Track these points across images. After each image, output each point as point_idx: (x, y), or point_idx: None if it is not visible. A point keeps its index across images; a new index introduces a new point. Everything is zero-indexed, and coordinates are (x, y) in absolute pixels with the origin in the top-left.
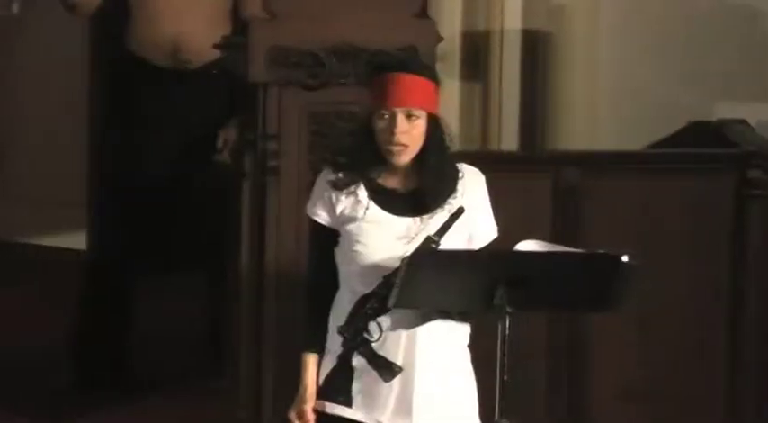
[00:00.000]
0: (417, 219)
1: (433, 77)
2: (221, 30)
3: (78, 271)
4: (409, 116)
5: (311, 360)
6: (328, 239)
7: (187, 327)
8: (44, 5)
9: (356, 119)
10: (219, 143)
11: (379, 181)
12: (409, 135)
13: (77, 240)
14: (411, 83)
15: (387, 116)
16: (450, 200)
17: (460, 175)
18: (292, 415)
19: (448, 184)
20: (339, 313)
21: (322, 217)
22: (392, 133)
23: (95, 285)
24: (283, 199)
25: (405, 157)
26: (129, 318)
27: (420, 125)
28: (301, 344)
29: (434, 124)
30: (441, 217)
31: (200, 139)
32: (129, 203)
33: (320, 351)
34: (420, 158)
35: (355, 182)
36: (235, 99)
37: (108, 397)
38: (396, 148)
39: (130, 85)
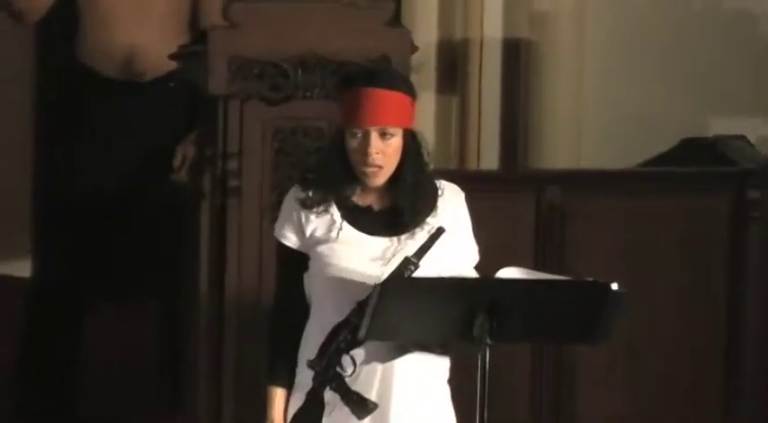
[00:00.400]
0: (394, 238)
1: (409, 90)
2: (179, 39)
3: (21, 298)
4: (383, 134)
5: (278, 394)
6: (297, 264)
7: (140, 356)
8: None
9: (323, 136)
10: (177, 160)
11: (353, 198)
12: (383, 155)
13: (20, 267)
14: (385, 99)
15: (359, 135)
16: (429, 219)
17: (440, 191)
18: None
19: (426, 202)
20: (309, 345)
21: (290, 239)
22: (365, 154)
23: (40, 313)
24: (245, 221)
25: (379, 179)
26: (77, 347)
27: (395, 143)
28: (266, 377)
29: (411, 139)
30: (419, 237)
31: (156, 155)
32: (76, 226)
33: (287, 385)
34: (396, 175)
35: (326, 200)
36: (193, 113)
37: None
38: (370, 170)
39: (79, 97)
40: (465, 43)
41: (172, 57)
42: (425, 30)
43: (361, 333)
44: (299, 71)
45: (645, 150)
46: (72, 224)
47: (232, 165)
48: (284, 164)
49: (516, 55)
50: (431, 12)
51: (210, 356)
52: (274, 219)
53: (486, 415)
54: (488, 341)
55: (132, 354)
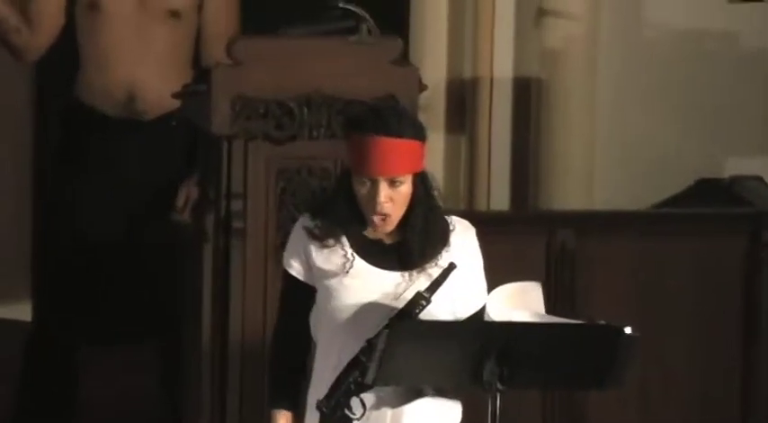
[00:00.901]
0: (406, 274)
1: (419, 134)
2: (181, 77)
3: (21, 343)
4: (393, 182)
5: (280, 416)
6: (302, 293)
7: (141, 403)
8: None
9: (329, 175)
10: (180, 201)
11: (363, 232)
12: (392, 203)
13: (21, 311)
14: (394, 148)
15: (368, 183)
16: (443, 253)
17: (451, 227)
18: None
19: (437, 239)
20: (318, 385)
21: (296, 269)
22: (374, 203)
23: (39, 358)
24: (249, 263)
25: (388, 227)
26: (76, 393)
27: (404, 189)
28: (268, 403)
29: (420, 181)
30: (431, 271)
31: (157, 196)
32: (77, 268)
33: (290, 408)
34: (406, 215)
35: (336, 232)
36: (196, 153)
37: None
38: (377, 218)
39: (79, 136)
40: (474, 82)
41: (174, 96)
42: (434, 68)
43: (369, 378)
44: (305, 110)
45: (659, 191)
46: (72, 265)
47: (236, 206)
48: (289, 204)
49: (527, 94)
50: (440, 50)
51: (214, 400)
52: (279, 260)
53: None
54: (499, 387)
55: (132, 399)
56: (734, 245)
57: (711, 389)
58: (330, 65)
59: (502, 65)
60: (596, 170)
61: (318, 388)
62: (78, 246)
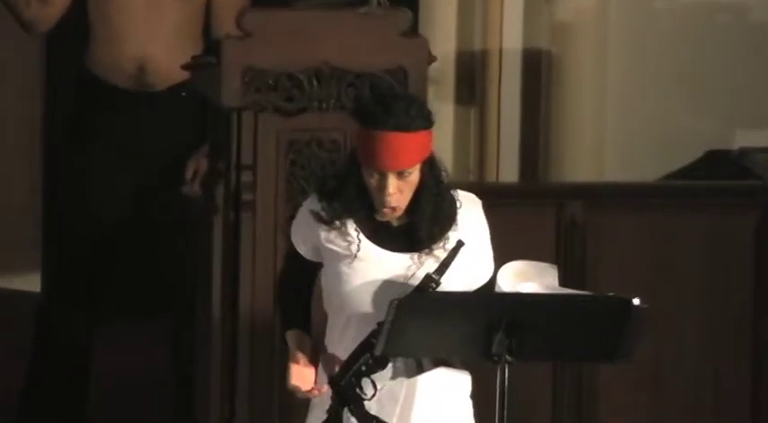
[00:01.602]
0: (415, 255)
1: (426, 123)
2: (191, 50)
3: (31, 315)
4: (401, 172)
5: (294, 335)
6: (308, 266)
7: (151, 376)
8: None
9: (339, 148)
10: (188, 173)
11: (371, 214)
12: (400, 195)
13: (31, 282)
14: (404, 142)
15: (376, 175)
16: (450, 233)
17: (458, 204)
18: (292, 383)
19: (445, 219)
20: (333, 341)
21: (302, 249)
22: (383, 194)
23: (49, 331)
24: (259, 236)
25: (395, 215)
26: (87, 367)
27: (413, 178)
28: (281, 328)
29: (428, 165)
30: (440, 252)
31: (167, 168)
32: (86, 240)
33: (303, 328)
34: (414, 199)
35: (343, 215)
36: (205, 124)
37: None
38: (386, 210)
39: (90, 109)
40: (484, 54)
41: (184, 67)
42: (444, 40)
43: (378, 349)
44: (315, 82)
45: (668, 163)
46: (81, 238)
47: (246, 178)
48: (299, 176)
49: (536, 66)
50: (449, 22)
51: (223, 376)
52: (289, 232)
53: None
54: (508, 358)
55: (143, 373)
56: (743, 217)
57: (722, 361)
58: (340, 37)
59: (511, 37)
60: (606, 142)
61: (333, 345)
62: (88, 218)
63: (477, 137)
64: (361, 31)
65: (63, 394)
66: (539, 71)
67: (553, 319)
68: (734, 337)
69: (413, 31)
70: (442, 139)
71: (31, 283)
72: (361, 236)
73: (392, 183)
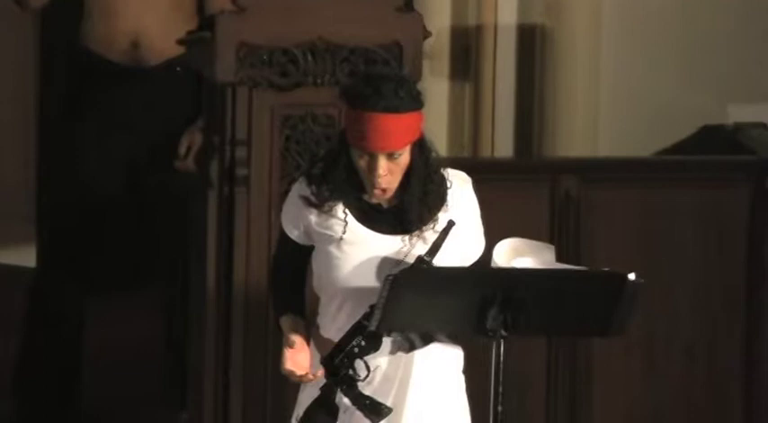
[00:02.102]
0: (405, 237)
1: (416, 105)
2: (185, 25)
3: (26, 290)
4: (391, 154)
5: (288, 320)
6: (302, 252)
7: (144, 352)
8: None
9: (333, 123)
10: (182, 148)
11: (361, 196)
12: (390, 177)
13: (26, 257)
14: (392, 123)
15: (366, 156)
16: (440, 214)
17: (448, 184)
18: (287, 367)
19: (435, 200)
20: (325, 322)
21: (293, 233)
22: (373, 175)
23: (43, 303)
24: (253, 211)
25: (386, 196)
26: (80, 342)
27: (403, 160)
28: (275, 316)
29: (418, 147)
30: (431, 233)
31: (161, 143)
32: (80, 215)
33: (297, 313)
34: (404, 181)
35: (332, 198)
36: (199, 99)
37: None
38: (376, 191)
39: (84, 84)
40: (479, 29)
41: (179, 42)
42: (438, 15)
43: (373, 325)
44: (309, 57)
45: (663, 138)
46: (75, 213)
47: (240, 153)
48: (293, 151)
49: (531, 41)
50: None
51: (217, 352)
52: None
53: (500, 408)
54: (503, 333)
55: (136, 347)
56: (738, 192)
57: (715, 334)
58: (335, 12)
59: (506, 11)
60: (600, 117)
61: (326, 326)
62: (83, 193)
63: (471, 112)
64: (356, 5)
65: (56, 366)
66: (533, 46)
67: (548, 293)
68: (727, 311)
69: (408, 5)
70: (437, 115)
71: (26, 257)
72: (351, 218)
73: (382, 164)
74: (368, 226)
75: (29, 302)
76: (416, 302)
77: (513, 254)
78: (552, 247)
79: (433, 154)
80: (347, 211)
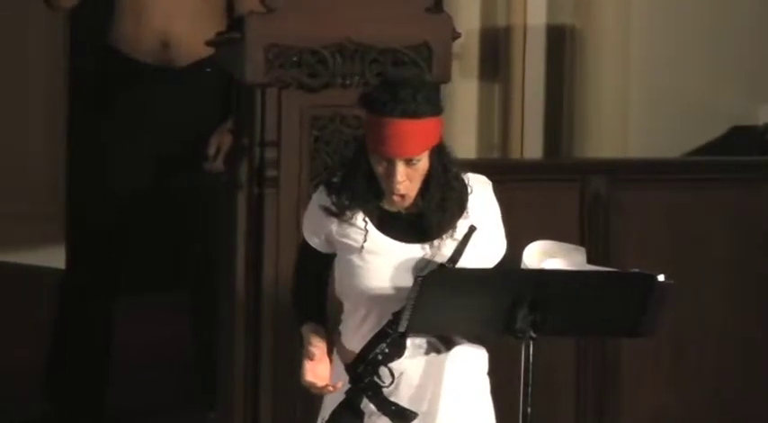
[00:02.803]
0: (426, 246)
1: (435, 110)
2: (214, 26)
3: (54, 290)
4: (410, 160)
5: (310, 329)
6: (323, 260)
7: (173, 352)
8: None
9: (361, 124)
10: (211, 150)
11: (381, 204)
12: (409, 181)
13: (54, 258)
14: (410, 129)
15: (385, 163)
16: (461, 220)
17: (469, 189)
18: (307, 379)
19: (455, 210)
20: (348, 330)
21: (314, 241)
22: (391, 182)
23: (72, 306)
24: (282, 212)
25: (406, 202)
26: (109, 342)
27: (421, 166)
28: (296, 320)
29: (437, 153)
30: (452, 240)
31: (190, 144)
32: (109, 215)
33: (318, 321)
34: (423, 187)
35: (352, 206)
36: (228, 101)
37: None
38: (395, 197)
39: (112, 84)
40: (508, 30)
41: (208, 44)
42: (468, 16)
43: (402, 326)
44: (338, 58)
45: (693, 139)
46: (104, 214)
47: (270, 154)
48: (322, 152)
49: (560, 41)
50: None
51: (247, 350)
52: None
53: (529, 410)
54: (532, 334)
55: (165, 349)
56: (767, 192)
57: (747, 335)
58: (364, 12)
59: (535, 12)
60: (630, 118)
61: (348, 334)
62: (111, 194)
63: (501, 113)
64: (385, 6)
65: (85, 367)
66: (563, 47)
67: (577, 294)
68: (757, 311)
69: (437, 6)
70: (467, 116)
71: (56, 258)
72: (371, 227)
73: (400, 170)
74: (388, 234)
75: (57, 304)
76: (445, 303)
77: (544, 256)
78: (583, 250)
79: (453, 160)
80: (367, 219)
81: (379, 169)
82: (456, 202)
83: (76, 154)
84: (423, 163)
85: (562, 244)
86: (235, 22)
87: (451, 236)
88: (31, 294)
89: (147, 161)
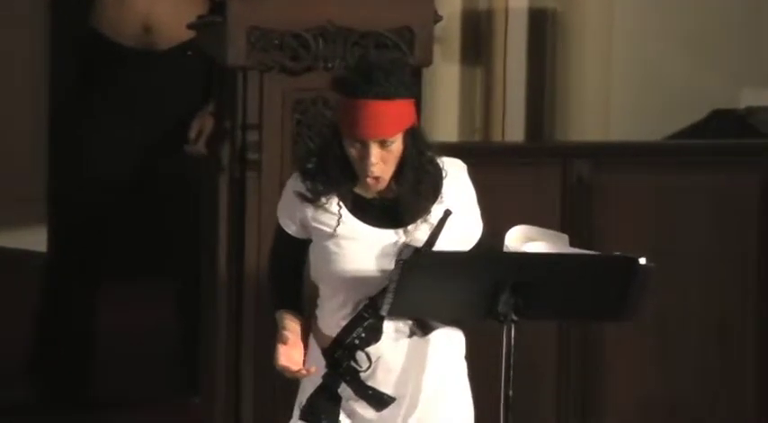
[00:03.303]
0: (400, 231)
1: (408, 92)
2: (196, 9)
3: (36, 274)
4: (383, 142)
5: (285, 315)
6: (299, 245)
7: (156, 337)
8: None
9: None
10: (193, 133)
11: (355, 190)
12: (383, 163)
13: (36, 241)
14: (383, 110)
15: (358, 145)
16: (435, 205)
17: (444, 173)
18: (281, 363)
19: (430, 191)
20: (325, 314)
21: (290, 227)
22: (365, 164)
23: (55, 291)
24: (264, 195)
25: (380, 186)
26: (93, 327)
27: (395, 148)
28: (272, 307)
29: (411, 136)
30: (427, 225)
31: (172, 127)
32: (91, 199)
33: (294, 308)
34: (397, 171)
35: (327, 192)
36: (211, 84)
37: (69, 415)
38: (369, 180)
39: (94, 67)
40: (490, 13)
41: (189, 26)
42: None
43: (384, 310)
44: (320, 41)
45: (674, 122)
46: (85, 197)
47: (251, 137)
48: (304, 136)
49: (542, 25)
50: None
51: (229, 337)
52: None
53: (510, 393)
54: (514, 317)
55: (149, 331)
56: (749, 176)
57: (728, 318)
58: None
59: None
60: (612, 101)
61: (325, 319)
62: (93, 177)
63: (482, 96)
64: None
65: (69, 352)
66: (545, 30)
67: (559, 278)
68: (740, 295)
69: None
70: (448, 99)
71: (38, 242)
72: (345, 211)
73: (374, 152)
74: (363, 220)
75: (40, 288)
76: (427, 287)
77: (525, 240)
78: (566, 237)
79: (428, 143)
80: (341, 204)
81: (353, 152)
82: (430, 185)
83: (59, 138)
84: (396, 145)
85: (544, 229)
86: (216, 6)
87: (426, 220)
88: (14, 277)
89: (128, 144)
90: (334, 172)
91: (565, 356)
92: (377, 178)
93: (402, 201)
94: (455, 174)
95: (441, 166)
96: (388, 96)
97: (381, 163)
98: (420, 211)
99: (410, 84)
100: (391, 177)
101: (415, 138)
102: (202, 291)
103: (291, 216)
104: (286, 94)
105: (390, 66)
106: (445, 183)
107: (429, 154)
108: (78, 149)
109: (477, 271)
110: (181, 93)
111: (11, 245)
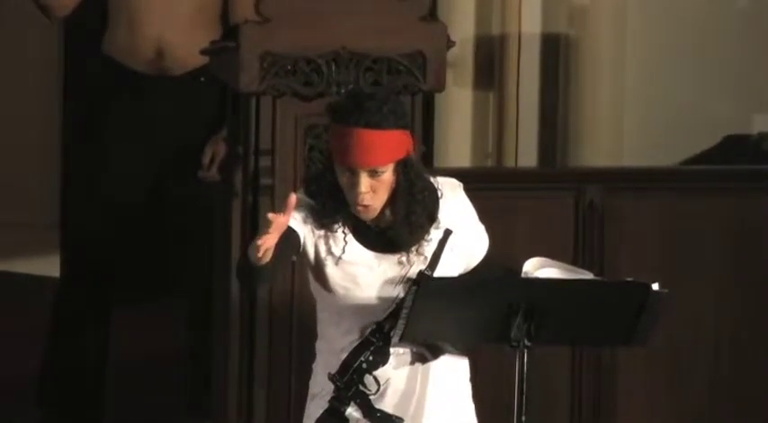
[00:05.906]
0: (403, 256)
1: (400, 123)
2: (209, 34)
3: (49, 298)
4: (374, 172)
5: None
6: (293, 239)
7: (169, 361)
8: (12, 3)
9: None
10: (206, 158)
11: (356, 214)
12: (373, 193)
13: (49, 266)
14: (374, 139)
15: (348, 173)
16: (432, 230)
17: (439, 194)
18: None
19: (424, 220)
20: (326, 337)
21: (293, 222)
22: (355, 193)
23: (67, 314)
24: None
25: (370, 214)
26: (104, 351)
27: (386, 178)
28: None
29: (403, 167)
30: (429, 247)
31: (185, 153)
32: (104, 224)
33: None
34: (390, 201)
35: (333, 214)
36: (224, 110)
37: None
38: (359, 208)
39: (108, 92)
40: (503, 38)
41: (203, 52)
42: (462, 25)
43: (396, 338)
44: (333, 67)
45: (687, 148)
46: (99, 222)
47: (264, 162)
48: (317, 161)
49: (555, 50)
50: (468, 6)
51: (242, 359)
52: None
53: (523, 419)
54: (527, 343)
55: (160, 357)
56: (762, 201)
57: (743, 345)
58: (358, 21)
59: (530, 21)
60: (625, 127)
61: (328, 341)
62: (106, 202)
63: (495, 121)
64: (380, 15)
65: (81, 375)
66: (557, 55)
67: (571, 303)
68: (752, 320)
69: (431, 15)
70: (461, 124)
71: (51, 267)
72: (350, 237)
73: (364, 181)
74: (366, 246)
75: (53, 312)
76: (440, 312)
77: (542, 268)
78: (587, 273)
79: (420, 173)
80: (346, 230)
81: (344, 180)
82: (424, 214)
83: (73, 163)
84: (387, 175)
85: (563, 264)
86: (229, 31)
87: (428, 241)
88: (27, 302)
89: (141, 170)
90: (337, 197)
91: (577, 382)
92: (366, 206)
93: (395, 229)
94: (450, 193)
95: (436, 186)
96: (379, 126)
97: (371, 192)
98: (417, 237)
99: (403, 114)
100: (385, 205)
101: (407, 168)
102: (215, 315)
103: (304, 217)
104: (299, 119)
105: (384, 96)
106: (441, 204)
107: (420, 184)
108: (91, 176)
109: (489, 296)
110: (194, 118)
111: (24, 270)
